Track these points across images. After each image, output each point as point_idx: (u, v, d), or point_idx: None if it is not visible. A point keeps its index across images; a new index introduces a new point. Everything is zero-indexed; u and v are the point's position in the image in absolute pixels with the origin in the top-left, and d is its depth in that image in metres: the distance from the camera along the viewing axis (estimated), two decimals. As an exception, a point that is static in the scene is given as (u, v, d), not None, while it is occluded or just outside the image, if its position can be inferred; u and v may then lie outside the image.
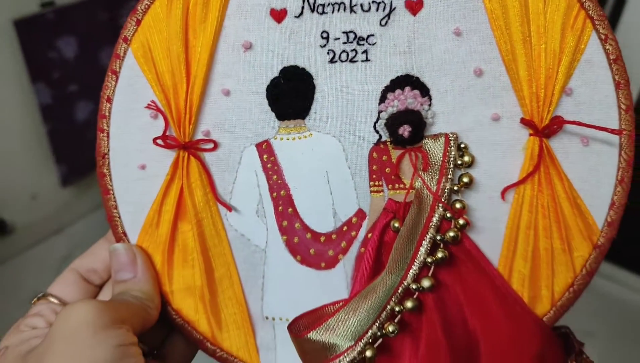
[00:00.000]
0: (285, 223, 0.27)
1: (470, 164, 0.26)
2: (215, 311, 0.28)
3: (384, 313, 0.25)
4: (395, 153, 0.26)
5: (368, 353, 0.25)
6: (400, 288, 0.25)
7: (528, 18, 0.25)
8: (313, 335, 0.25)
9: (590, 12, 0.25)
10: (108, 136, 0.27)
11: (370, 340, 0.25)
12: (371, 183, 0.27)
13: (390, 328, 0.25)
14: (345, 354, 0.24)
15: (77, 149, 1.47)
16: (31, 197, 1.40)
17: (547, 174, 0.26)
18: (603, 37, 0.25)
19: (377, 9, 0.25)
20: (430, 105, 0.26)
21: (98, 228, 1.56)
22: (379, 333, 0.25)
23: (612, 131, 0.24)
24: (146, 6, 0.26)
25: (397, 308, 0.25)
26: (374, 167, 0.26)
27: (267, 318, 0.28)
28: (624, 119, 0.25)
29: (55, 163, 1.42)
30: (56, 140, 1.41)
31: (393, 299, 0.25)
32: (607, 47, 0.25)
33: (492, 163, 0.26)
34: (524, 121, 0.25)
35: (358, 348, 0.24)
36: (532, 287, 0.26)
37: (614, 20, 1.13)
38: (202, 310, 0.28)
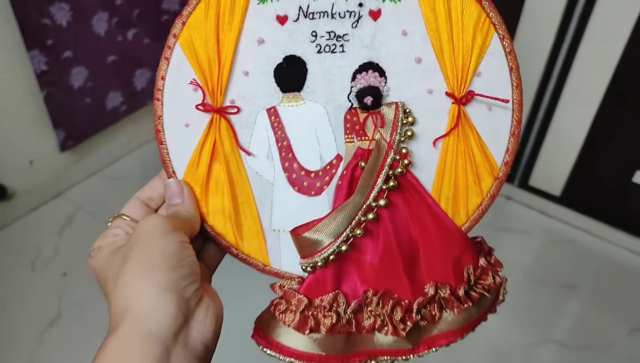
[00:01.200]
0: (287, 164, 0.39)
1: (412, 123, 0.38)
2: (238, 226, 0.40)
3: (354, 221, 0.37)
4: (362, 116, 0.38)
5: (343, 248, 0.37)
6: (365, 205, 0.37)
7: (451, 23, 0.36)
8: (307, 234, 0.37)
9: (493, 19, 0.37)
10: (162, 104, 0.39)
11: (345, 239, 0.37)
12: (346, 136, 0.39)
13: (358, 232, 0.37)
14: (328, 247, 0.37)
15: (74, 115, 1.51)
16: (30, 162, 1.44)
17: (463, 130, 0.38)
18: (501, 36, 0.37)
19: (350, 16, 0.37)
20: (386, 83, 0.38)
21: (97, 191, 1.61)
22: (350, 234, 0.37)
23: (503, 100, 0.37)
24: (189, 12, 0.37)
25: (362, 218, 0.37)
26: (348, 125, 0.38)
27: (274, 230, 0.40)
28: (515, 93, 0.37)
29: (53, 128, 1.46)
30: (53, 106, 1.43)
31: (360, 212, 0.37)
32: (504, 44, 0.37)
33: (427, 122, 0.38)
34: (448, 94, 0.37)
35: (337, 244, 0.37)
36: (454, 207, 0.39)
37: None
38: (229, 225, 0.40)
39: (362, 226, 0.37)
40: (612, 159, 1.43)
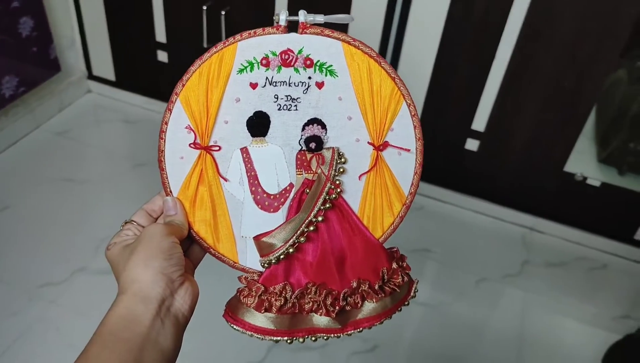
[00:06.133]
0: (253, 188, 0.53)
1: (344, 162, 0.53)
2: (216, 232, 0.54)
3: (299, 231, 0.51)
4: (308, 156, 0.53)
5: (290, 250, 0.52)
6: (307, 220, 0.52)
7: (372, 93, 0.51)
8: (265, 239, 0.51)
9: (402, 91, 0.51)
10: (165, 141, 0.53)
11: (292, 244, 0.52)
12: (297, 170, 0.53)
13: (302, 239, 0.52)
14: (280, 249, 0.51)
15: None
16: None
17: (380, 169, 0.53)
18: (408, 104, 0.52)
19: (302, 85, 0.52)
20: (326, 133, 0.52)
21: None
22: (296, 241, 0.52)
23: (406, 150, 0.52)
24: (187, 78, 0.52)
25: (305, 229, 0.52)
26: (298, 162, 0.53)
27: (243, 237, 0.54)
28: (417, 143, 0.52)
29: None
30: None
31: (304, 225, 0.52)
32: (410, 109, 0.52)
33: (355, 162, 0.53)
34: (369, 143, 0.52)
35: (286, 247, 0.51)
36: (373, 224, 0.53)
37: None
38: (210, 232, 0.54)
39: (305, 235, 0.52)
40: (446, 131, 1.62)
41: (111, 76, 1.99)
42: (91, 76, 2.02)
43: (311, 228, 0.52)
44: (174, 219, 0.53)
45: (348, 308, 0.53)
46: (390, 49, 1.52)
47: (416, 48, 1.49)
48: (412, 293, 0.56)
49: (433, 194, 1.73)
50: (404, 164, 0.53)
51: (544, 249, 1.62)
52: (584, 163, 1.54)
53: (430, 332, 1.36)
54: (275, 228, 0.52)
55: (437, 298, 1.44)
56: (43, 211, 1.56)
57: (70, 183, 1.66)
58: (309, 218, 0.52)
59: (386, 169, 0.53)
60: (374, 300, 0.53)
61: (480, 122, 1.55)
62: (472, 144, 1.60)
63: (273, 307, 0.52)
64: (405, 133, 0.52)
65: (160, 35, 1.79)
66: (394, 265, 0.54)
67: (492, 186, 1.67)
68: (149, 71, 1.91)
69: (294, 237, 0.52)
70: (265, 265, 0.52)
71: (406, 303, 0.56)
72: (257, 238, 0.53)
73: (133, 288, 0.45)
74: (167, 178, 0.53)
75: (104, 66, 1.97)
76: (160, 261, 0.47)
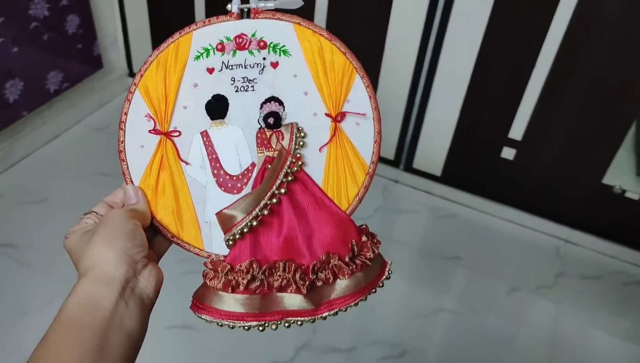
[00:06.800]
0: (215, 171, 0.53)
1: (304, 136, 0.53)
2: (179, 219, 0.53)
3: (262, 203, 0.51)
4: (268, 133, 0.53)
5: (254, 223, 0.50)
6: (270, 192, 0.51)
7: (326, 67, 0.53)
8: (225, 211, 0.50)
9: (354, 65, 0.53)
10: (124, 132, 0.53)
11: (255, 216, 0.50)
12: (258, 149, 0.53)
13: (265, 212, 0.51)
14: (242, 221, 0.50)
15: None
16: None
17: (340, 140, 0.53)
18: (361, 75, 0.53)
19: (257, 67, 0.53)
20: (284, 109, 0.53)
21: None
22: (259, 213, 0.50)
23: (362, 115, 0.52)
24: (145, 68, 0.53)
25: (268, 202, 0.51)
26: (258, 141, 0.53)
27: (207, 222, 0.53)
28: (373, 112, 0.53)
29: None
30: None
31: (266, 196, 0.51)
32: (363, 81, 0.53)
33: (314, 135, 0.53)
34: (327, 115, 0.53)
35: (249, 219, 0.50)
36: (338, 195, 0.53)
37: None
38: (173, 219, 0.53)
39: (268, 208, 0.51)
40: (482, 139, 1.61)
41: (151, 75, 2.04)
42: (132, 74, 2.05)
43: (274, 201, 0.51)
44: (136, 207, 0.52)
45: (319, 284, 0.51)
46: (428, 56, 1.53)
47: (455, 54, 1.51)
48: (385, 274, 0.54)
49: (466, 201, 1.70)
50: (363, 133, 0.53)
51: (579, 262, 1.58)
52: (622, 175, 1.51)
53: (459, 340, 1.32)
54: (236, 201, 0.51)
55: (467, 305, 1.41)
56: (80, 204, 1.57)
57: (108, 177, 1.67)
58: (272, 190, 0.51)
59: (346, 140, 0.53)
60: (346, 277, 0.51)
61: (517, 130, 1.53)
62: (508, 153, 1.58)
63: (240, 285, 0.49)
64: (361, 103, 0.53)
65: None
66: (364, 238, 0.53)
67: (528, 195, 1.64)
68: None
69: (257, 209, 0.51)
70: (230, 240, 0.51)
71: (380, 284, 0.54)
72: (218, 213, 0.52)
73: (95, 271, 0.44)
74: (127, 168, 0.53)
75: (145, 65, 2.03)
76: (123, 241, 0.46)
